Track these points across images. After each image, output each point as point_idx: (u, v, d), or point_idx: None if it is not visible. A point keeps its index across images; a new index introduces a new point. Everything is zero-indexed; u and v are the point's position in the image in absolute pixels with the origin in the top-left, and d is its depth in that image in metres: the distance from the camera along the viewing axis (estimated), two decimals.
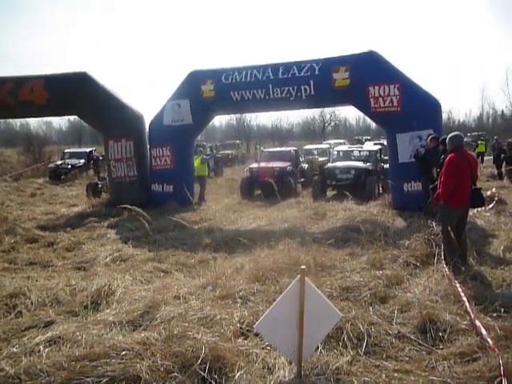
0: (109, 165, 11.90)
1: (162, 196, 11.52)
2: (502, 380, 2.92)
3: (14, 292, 4.88)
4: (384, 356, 3.52)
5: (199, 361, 3.19)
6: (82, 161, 21.58)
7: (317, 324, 3.15)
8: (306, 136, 53.51)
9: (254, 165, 14.76)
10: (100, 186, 13.48)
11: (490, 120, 51.06)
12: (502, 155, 16.38)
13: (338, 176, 12.71)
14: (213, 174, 19.91)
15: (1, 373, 3.18)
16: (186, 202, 10.30)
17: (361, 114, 31.77)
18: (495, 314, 4.06)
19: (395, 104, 9.53)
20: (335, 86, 9.97)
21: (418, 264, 5.70)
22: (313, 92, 10.14)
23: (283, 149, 17.73)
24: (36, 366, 3.18)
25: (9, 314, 4.50)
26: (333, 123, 57.37)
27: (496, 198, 9.98)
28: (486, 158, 23.38)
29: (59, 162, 20.90)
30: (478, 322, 3.77)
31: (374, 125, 46.17)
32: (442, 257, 5.56)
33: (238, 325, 3.95)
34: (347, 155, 14.40)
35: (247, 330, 3.90)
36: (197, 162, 12.99)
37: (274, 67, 10.48)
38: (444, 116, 30.84)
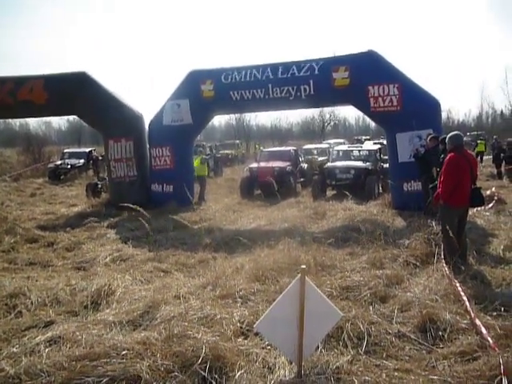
0: (108, 165, 11.89)
1: (161, 196, 11.51)
2: (502, 379, 2.92)
3: (14, 292, 4.88)
4: (384, 355, 3.52)
5: (199, 360, 3.19)
6: (82, 161, 21.59)
7: (317, 323, 3.15)
8: (306, 136, 53.48)
9: (254, 165, 14.74)
10: (100, 186, 13.48)
11: (490, 119, 51.12)
12: (502, 155, 16.41)
13: (338, 176, 12.71)
14: (212, 174, 19.92)
15: (1, 373, 3.18)
16: (185, 202, 10.29)
17: (360, 113, 31.90)
18: (495, 313, 4.07)
19: (395, 104, 9.53)
20: (335, 86, 9.97)
21: (418, 263, 5.71)
22: (312, 92, 10.14)
23: (283, 149, 17.68)
24: (36, 366, 3.18)
25: (9, 314, 4.49)
26: (332, 123, 57.32)
27: (495, 198, 9.99)
28: (485, 157, 23.40)
29: (59, 162, 20.88)
30: (478, 321, 3.77)
31: (373, 124, 46.30)
32: (442, 256, 5.56)
33: (238, 324, 3.95)
34: (347, 155, 14.40)
35: (247, 330, 3.90)
36: (196, 162, 12.99)
37: (274, 67, 10.47)
38: (443, 115, 31.00)
